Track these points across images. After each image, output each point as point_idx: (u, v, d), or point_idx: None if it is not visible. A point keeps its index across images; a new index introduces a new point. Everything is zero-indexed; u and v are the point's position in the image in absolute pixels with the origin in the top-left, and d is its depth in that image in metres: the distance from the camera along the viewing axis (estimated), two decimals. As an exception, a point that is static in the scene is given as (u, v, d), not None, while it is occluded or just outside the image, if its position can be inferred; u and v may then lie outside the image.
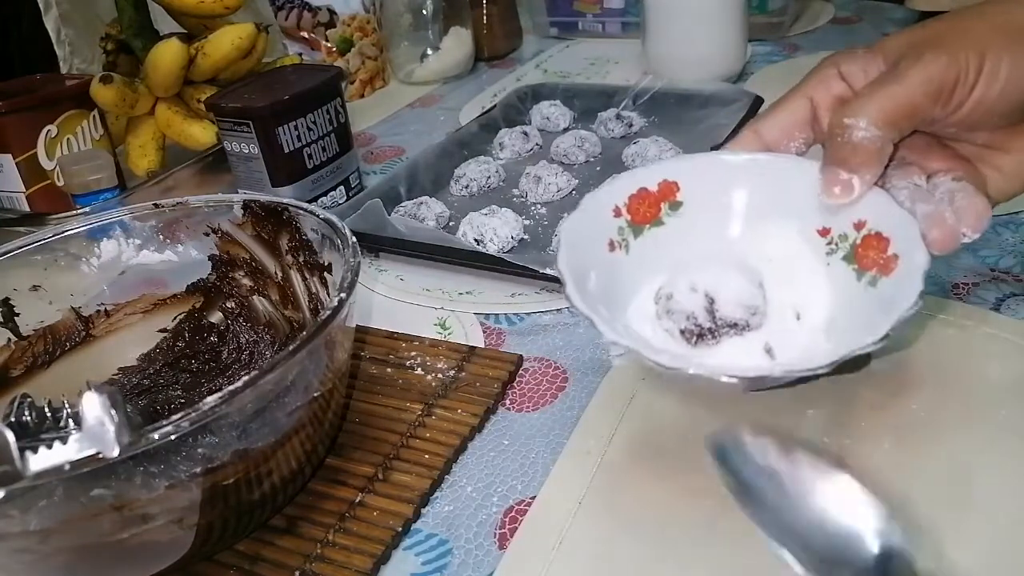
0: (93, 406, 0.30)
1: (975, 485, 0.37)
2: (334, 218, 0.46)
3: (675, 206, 0.40)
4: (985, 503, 0.36)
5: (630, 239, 0.38)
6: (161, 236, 0.52)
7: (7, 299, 0.48)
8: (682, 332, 0.34)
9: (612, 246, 0.37)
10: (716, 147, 0.69)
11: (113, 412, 0.30)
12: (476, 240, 0.61)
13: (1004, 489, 0.37)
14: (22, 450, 0.30)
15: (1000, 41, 0.34)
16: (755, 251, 0.37)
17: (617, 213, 0.38)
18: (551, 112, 0.83)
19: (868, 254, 0.34)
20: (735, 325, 0.33)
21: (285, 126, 0.66)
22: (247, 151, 0.66)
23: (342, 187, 0.72)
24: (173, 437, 0.31)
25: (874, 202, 0.35)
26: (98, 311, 0.52)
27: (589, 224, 0.37)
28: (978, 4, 0.36)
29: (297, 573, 0.39)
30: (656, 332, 0.35)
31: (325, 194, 0.70)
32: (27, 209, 0.75)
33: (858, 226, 0.35)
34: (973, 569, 0.33)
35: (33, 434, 0.40)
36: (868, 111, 0.34)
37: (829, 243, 0.38)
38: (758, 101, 0.78)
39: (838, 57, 0.38)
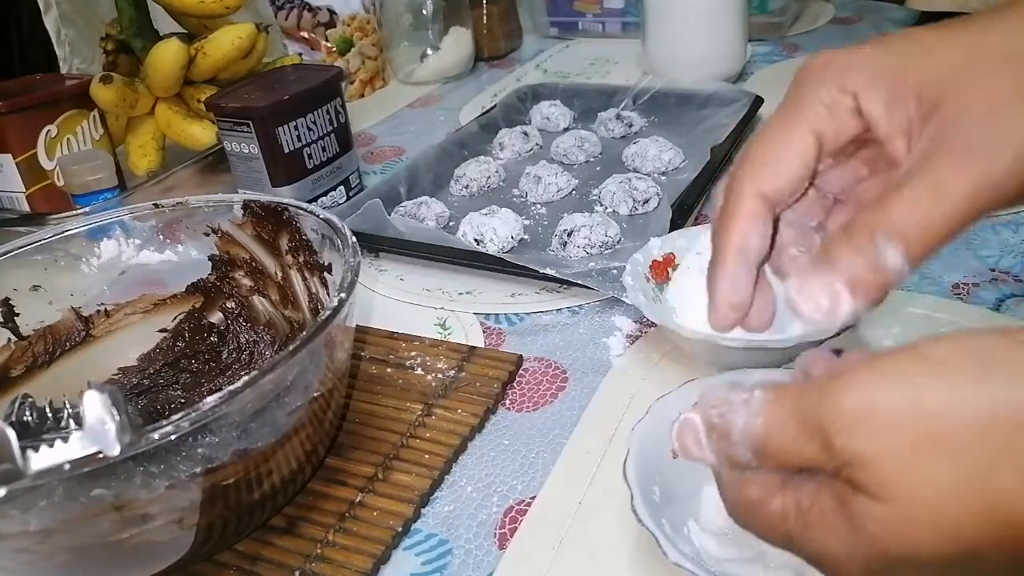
0: (94, 405, 0.30)
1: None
2: (334, 218, 0.46)
3: None
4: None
5: None
6: (161, 236, 0.52)
7: (7, 299, 0.48)
8: None
9: (675, 453, 0.38)
10: (716, 146, 0.69)
11: (114, 411, 0.30)
12: (476, 240, 0.61)
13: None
14: (23, 449, 0.30)
15: None
16: None
17: None
18: (551, 112, 0.83)
19: None
20: None
21: (285, 126, 0.66)
22: (247, 151, 0.66)
23: (342, 187, 0.72)
24: (173, 437, 0.31)
25: None
26: (98, 311, 0.52)
27: (656, 430, 0.38)
28: None
29: (297, 573, 0.39)
30: (719, 531, 0.36)
31: (325, 194, 0.70)
32: (27, 209, 0.75)
33: None
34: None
35: (34, 434, 0.40)
36: (907, 237, 0.25)
37: None
38: (758, 101, 0.78)
39: (853, 76, 0.27)
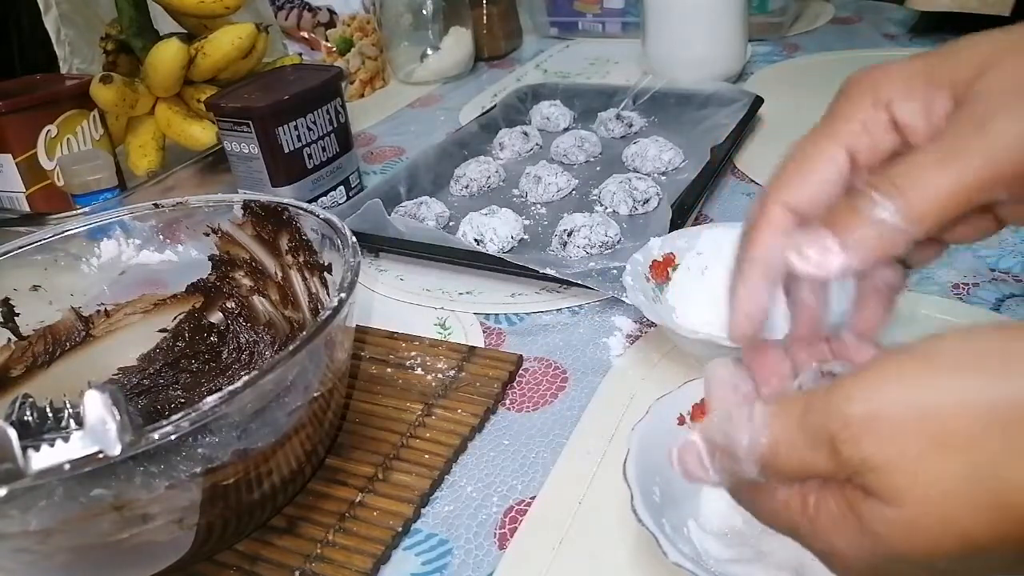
0: (95, 404, 0.30)
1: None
2: (334, 218, 0.46)
3: None
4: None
5: None
6: (161, 236, 0.52)
7: (7, 299, 0.48)
8: None
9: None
10: (716, 146, 0.69)
11: (115, 411, 0.30)
12: (476, 240, 0.61)
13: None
14: (24, 448, 0.30)
15: None
16: None
17: (681, 421, 0.40)
18: (551, 112, 0.83)
19: None
20: None
21: (285, 126, 0.66)
22: (247, 151, 0.66)
23: (342, 187, 0.72)
24: (173, 437, 0.31)
25: None
26: (98, 311, 0.52)
27: (656, 430, 0.38)
28: None
29: (297, 573, 0.39)
30: (719, 531, 0.36)
31: (325, 194, 0.70)
32: (27, 209, 0.75)
33: None
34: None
35: (34, 434, 0.40)
36: (907, 198, 0.24)
37: None
38: (758, 101, 0.78)
39: (885, 87, 0.27)
